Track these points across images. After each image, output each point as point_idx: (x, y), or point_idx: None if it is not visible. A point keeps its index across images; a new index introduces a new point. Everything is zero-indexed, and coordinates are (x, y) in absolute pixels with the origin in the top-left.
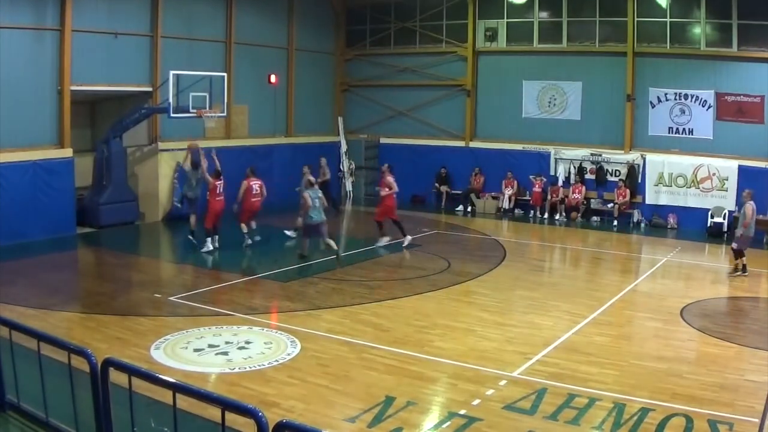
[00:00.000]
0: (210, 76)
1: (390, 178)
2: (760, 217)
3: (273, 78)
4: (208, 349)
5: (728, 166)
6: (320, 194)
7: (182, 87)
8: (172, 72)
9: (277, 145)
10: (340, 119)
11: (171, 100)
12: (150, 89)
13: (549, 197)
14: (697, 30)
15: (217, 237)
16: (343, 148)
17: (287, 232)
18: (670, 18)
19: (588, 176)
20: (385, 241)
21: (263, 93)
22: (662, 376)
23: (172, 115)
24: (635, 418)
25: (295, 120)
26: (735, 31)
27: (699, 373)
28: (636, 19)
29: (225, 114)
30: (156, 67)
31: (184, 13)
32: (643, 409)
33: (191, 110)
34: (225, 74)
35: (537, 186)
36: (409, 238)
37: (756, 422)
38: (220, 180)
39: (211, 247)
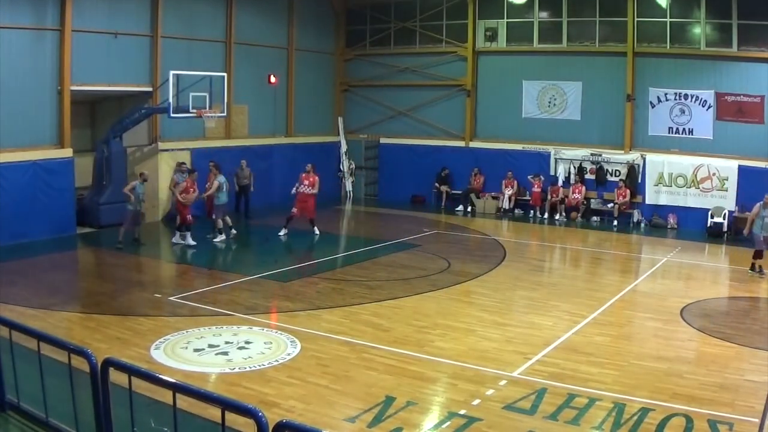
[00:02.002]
0: (210, 76)
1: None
2: None
3: (273, 78)
4: (208, 349)
5: (728, 166)
6: (144, 189)
7: (182, 87)
8: (172, 72)
9: (277, 145)
10: (340, 119)
11: (171, 100)
12: (150, 89)
13: (549, 197)
14: (697, 30)
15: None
16: (343, 148)
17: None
18: (670, 18)
19: (588, 176)
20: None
21: (263, 93)
22: (662, 376)
23: (172, 115)
24: (635, 418)
25: (295, 120)
26: (735, 31)
27: (699, 373)
28: (636, 19)
29: (225, 114)
30: (156, 67)
31: (184, 13)
32: (643, 409)
33: (191, 110)
34: (225, 74)
35: (536, 186)
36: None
37: (756, 422)
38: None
39: (193, 242)
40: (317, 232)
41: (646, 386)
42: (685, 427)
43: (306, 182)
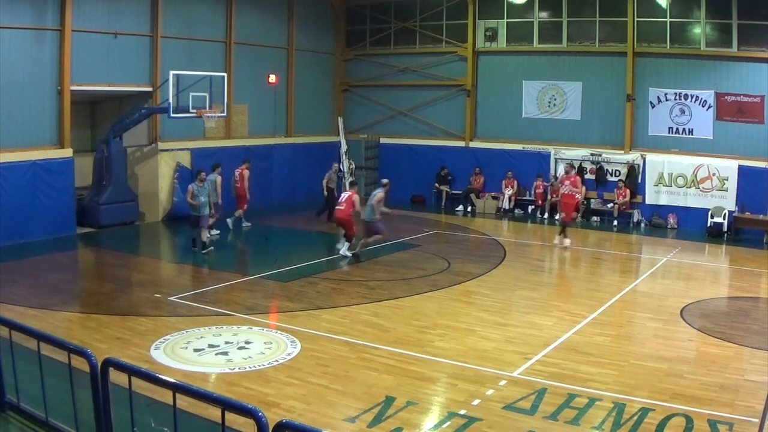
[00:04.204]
0: (210, 76)
1: (578, 178)
2: (761, 217)
3: (272, 78)
4: (208, 349)
5: (728, 166)
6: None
7: (182, 87)
8: (172, 72)
9: (277, 145)
10: (340, 119)
11: (171, 100)
12: (150, 89)
13: (549, 197)
14: (697, 30)
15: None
16: (343, 148)
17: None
18: (670, 18)
19: (588, 176)
20: (567, 242)
21: (263, 93)
22: (662, 376)
23: (172, 115)
24: (635, 418)
25: (295, 120)
26: (735, 31)
27: (699, 373)
28: (636, 19)
29: (225, 114)
30: (156, 67)
31: (184, 13)
32: (643, 409)
33: (191, 110)
34: (225, 74)
35: (540, 187)
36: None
37: (756, 422)
38: None
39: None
40: (566, 244)
41: (646, 386)
42: (685, 427)
43: (567, 182)
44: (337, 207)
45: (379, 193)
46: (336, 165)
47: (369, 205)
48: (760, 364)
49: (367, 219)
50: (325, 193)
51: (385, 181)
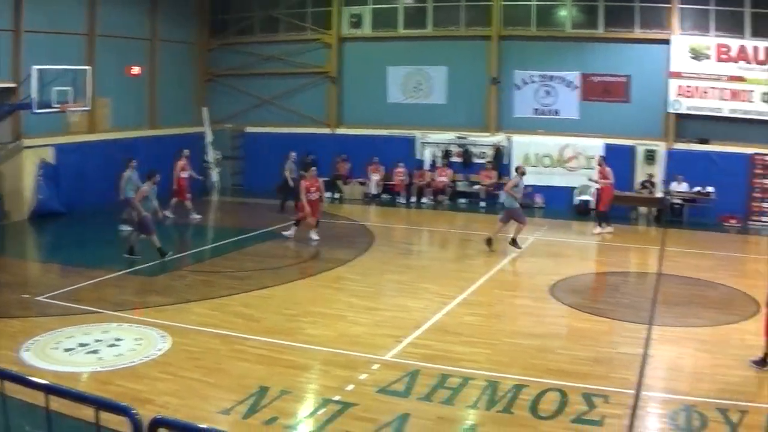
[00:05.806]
0: (73, 70)
1: (608, 169)
2: (629, 194)
3: (135, 69)
4: (79, 348)
5: (594, 145)
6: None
7: (46, 82)
8: (34, 67)
9: (141, 138)
10: (204, 109)
11: (34, 95)
12: (13, 85)
13: (415, 181)
14: (564, 12)
15: None
16: (209, 138)
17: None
18: (536, 1)
19: (454, 159)
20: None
21: (126, 85)
22: (534, 353)
23: (35, 111)
24: (509, 395)
25: (158, 111)
26: (602, 12)
27: (572, 348)
28: (501, 2)
29: (89, 107)
30: (18, 63)
31: (46, 7)
32: (517, 385)
33: (55, 105)
34: (89, 68)
35: (400, 174)
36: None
37: (631, 393)
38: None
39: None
40: (606, 230)
41: (519, 363)
42: (560, 402)
43: (599, 175)
44: (310, 196)
45: (513, 179)
46: (293, 154)
47: (504, 192)
48: (632, 336)
49: (508, 206)
50: (291, 183)
51: (522, 169)
